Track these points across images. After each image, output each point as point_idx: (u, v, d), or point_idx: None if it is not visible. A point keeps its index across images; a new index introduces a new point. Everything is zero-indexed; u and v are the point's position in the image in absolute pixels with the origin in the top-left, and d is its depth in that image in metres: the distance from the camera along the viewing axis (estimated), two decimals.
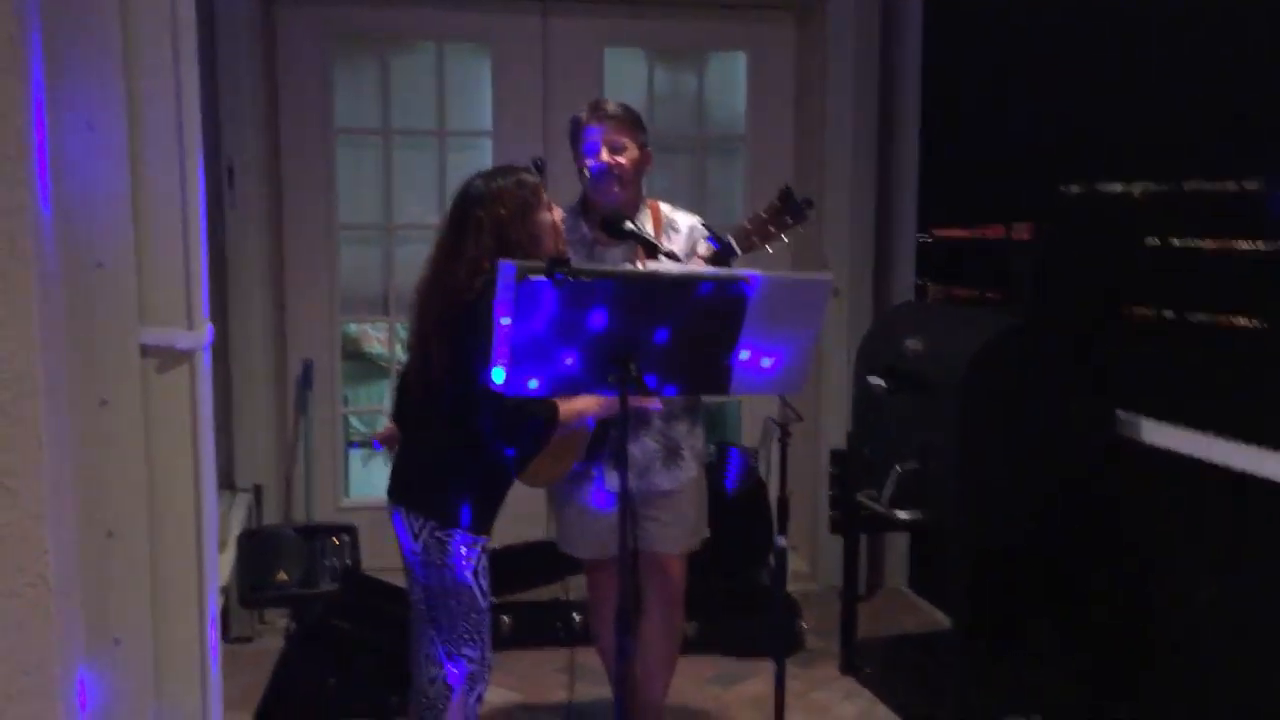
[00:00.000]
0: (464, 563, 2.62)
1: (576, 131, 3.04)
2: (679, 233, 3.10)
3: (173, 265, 1.92)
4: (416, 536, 2.65)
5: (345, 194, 4.69)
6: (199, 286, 1.96)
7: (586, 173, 3.00)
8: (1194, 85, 3.18)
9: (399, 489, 2.73)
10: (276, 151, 4.51)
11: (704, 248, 3.02)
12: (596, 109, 3.02)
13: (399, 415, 2.86)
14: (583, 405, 2.70)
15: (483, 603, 2.66)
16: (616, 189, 2.98)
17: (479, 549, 2.65)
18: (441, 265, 2.64)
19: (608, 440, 2.92)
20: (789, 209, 2.88)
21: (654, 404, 2.94)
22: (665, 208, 3.15)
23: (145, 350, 1.90)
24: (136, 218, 1.87)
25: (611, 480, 2.99)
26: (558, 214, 2.75)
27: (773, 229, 2.88)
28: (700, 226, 3.13)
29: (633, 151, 3.01)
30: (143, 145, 1.88)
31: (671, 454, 3.08)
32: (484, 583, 2.67)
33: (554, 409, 2.66)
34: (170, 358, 1.93)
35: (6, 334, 1.50)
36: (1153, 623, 3.37)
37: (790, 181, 4.94)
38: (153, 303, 1.91)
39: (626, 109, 3.05)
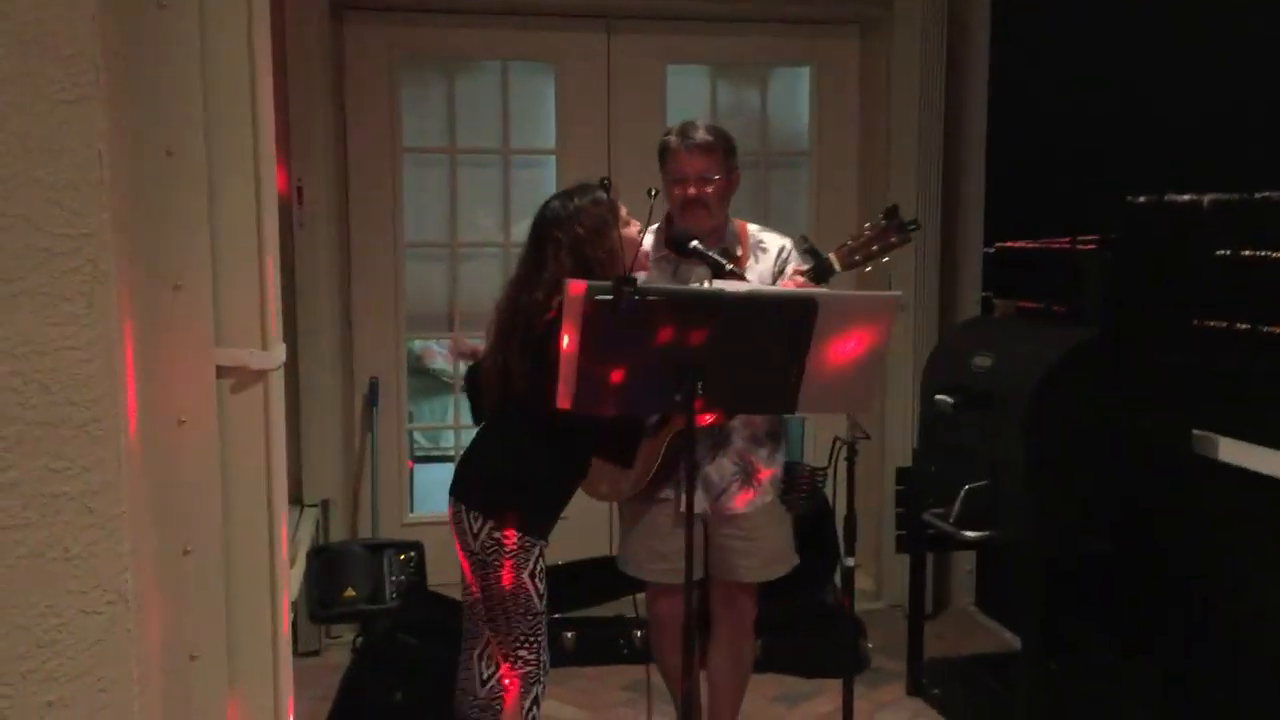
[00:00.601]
0: (521, 563, 2.62)
1: (664, 155, 3.02)
2: (767, 253, 3.08)
3: (247, 287, 1.94)
4: (475, 535, 2.67)
5: (411, 212, 4.74)
6: (273, 307, 1.98)
7: (674, 201, 2.99)
8: (1264, 94, 3.11)
9: (462, 485, 2.75)
10: (344, 170, 4.57)
11: (798, 261, 3.00)
12: (685, 135, 2.99)
13: (475, 414, 2.90)
14: None
15: (539, 605, 2.67)
16: (704, 215, 2.97)
17: (536, 551, 2.67)
18: (522, 286, 2.67)
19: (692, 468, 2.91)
20: (894, 228, 2.85)
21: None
22: (754, 228, 3.14)
23: (220, 370, 1.92)
24: (213, 240, 1.90)
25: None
26: (635, 227, 2.75)
27: (876, 248, 2.85)
28: (790, 247, 3.10)
29: (720, 179, 2.98)
30: (219, 169, 1.91)
31: (749, 477, 3.05)
32: (540, 585, 2.68)
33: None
34: (245, 377, 1.95)
35: (88, 355, 1.53)
36: (1227, 647, 3.28)
37: (855, 196, 4.94)
38: (228, 323, 1.93)
39: (717, 134, 3.01)
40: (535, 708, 2.76)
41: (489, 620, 2.73)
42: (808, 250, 2.89)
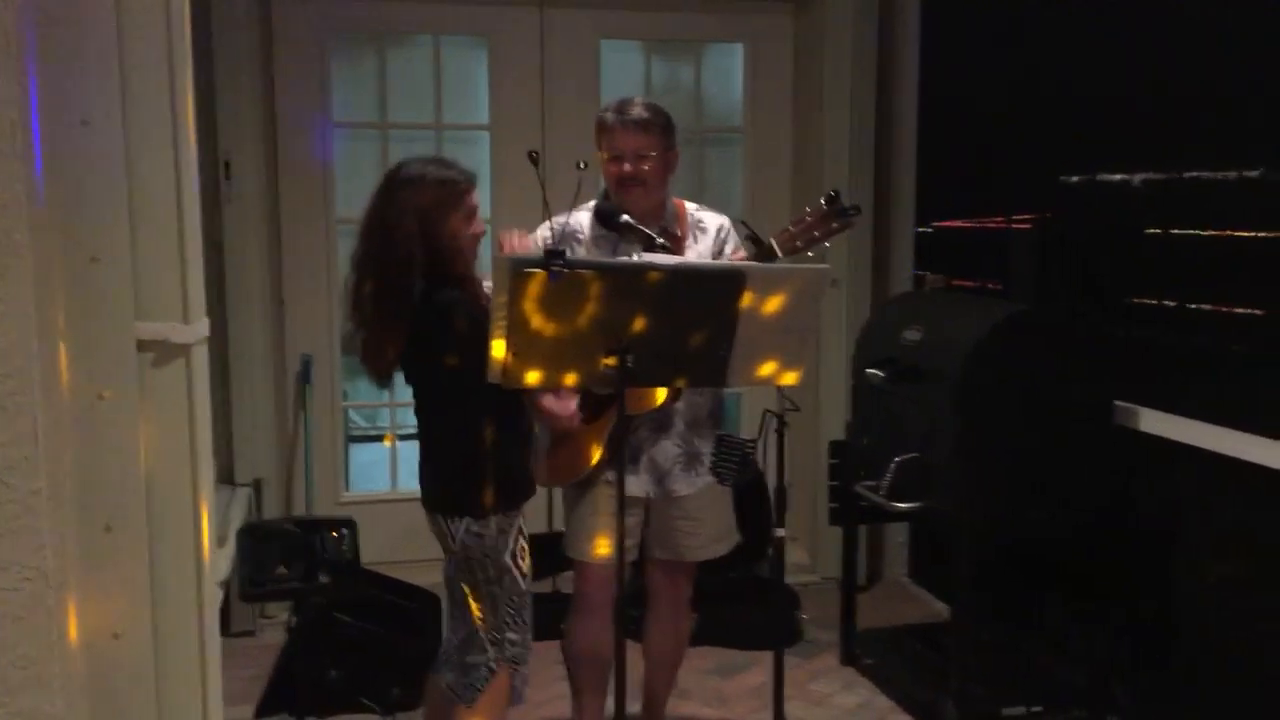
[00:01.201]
0: (502, 546, 2.62)
1: (600, 131, 2.97)
2: (706, 233, 3.07)
3: (168, 259, 1.91)
4: (454, 537, 2.66)
5: (343, 187, 4.69)
6: (195, 280, 1.96)
7: (610, 178, 2.97)
8: (1194, 74, 3.17)
9: (430, 494, 2.74)
10: (274, 145, 4.50)
11: (737, 241, 2.99)
12: (622, 111, 2.94)
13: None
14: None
15: (523, 584, 2.67)
16: (639, 193, 2.93)
17: (514, 530, 2.66)
18: (380, 264, 2.63)
19: (624, 446, 2.91)
20: (836, 214, 2.85)
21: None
22: (691, 207, 3.12)
23: (141, 344, 1.90)
24: (131, 212, 1.87)
25: (629, 483, 2.97)
26: (477, 228, 2.69)
27: (818, 233, 2.84)
28: (729, 225, 3.10)
29: (658, 156, 2.94)
30: (137, 140, 1.88)
31: (691, 459, 3.06)
32: (522, 564, 2.68)
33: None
34: (166, 351, 1.92)
35: (3, 328, 1.50)
36: (1153, 611, 3.37)
37: (788, 173, 4.97)
38: (148, 297, 1.90)
39: (655, 111, 2.96)
40: (524, 686, 2.77)
41: (478, 606, 2.70)
42: (749, 236, 2.88)
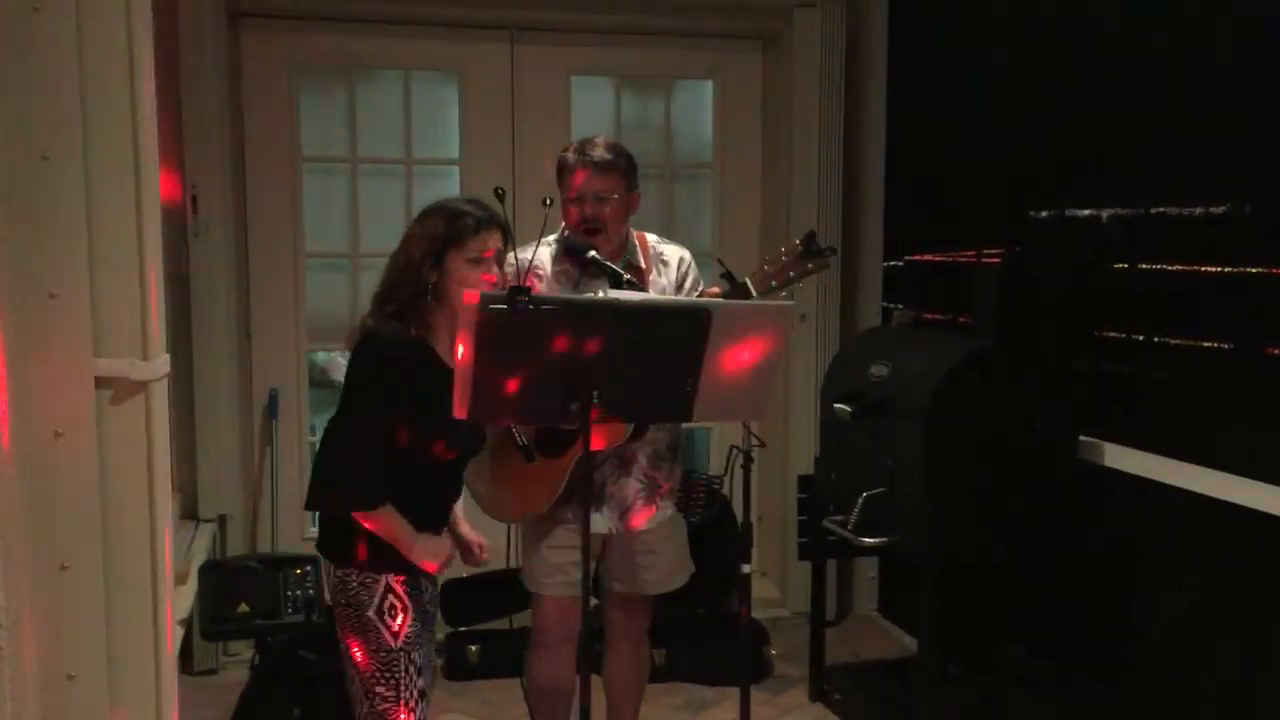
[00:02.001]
0: (365, 600, 2.54)
1: (562, 172, 2.96)
2: (668, 266, 3.06)
3: (128, 295, 1.90)
4: (327, 577, 2.62)
5: (312, 222, 4.68)
6: (155, 316, 1.94)
7: (570, 219, 2.95)
8: (1161, 111, 3.22)
9: (318, 534, 2.69)
10: (242, 179, 4.49)
11: (698, 273, 3.00)
12: (583, 152, 2.91)
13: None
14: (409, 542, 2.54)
15: (392, 643, 2.56)
16: (601, 239, 2.91)
17: (380, 586, 2.54)
18: (389, 264, 2.63)
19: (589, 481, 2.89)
20: (810, 255, 2.85)
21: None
22: (652, 239, 3.11)
23: (99, 381, 1.88)
24: (91, 247, 1.85)
25: (592, 520, 2.95)
26: (474, 275, 2.55)
27: (793, 273, 2.84)
28: (689, 259, 3.10)
29: (619, 199, 2.92)
30: (98, 175, 1.86)
31: (652, 493, 3.05)
32: (391, 622, 2.55)
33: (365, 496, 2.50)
34: (125, 388, 1.90)
35: None
36: (1118, 644, 3.38)
37: (758, 208, 5.00)
38: (107, 333, 1.89)
39: (616, 151, 2.94)
40: None
41: (346, 659, 2.62)
42: (724, 275, 2.87)
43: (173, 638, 2.10)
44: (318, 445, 2.66)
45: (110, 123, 1.86)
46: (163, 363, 1.97)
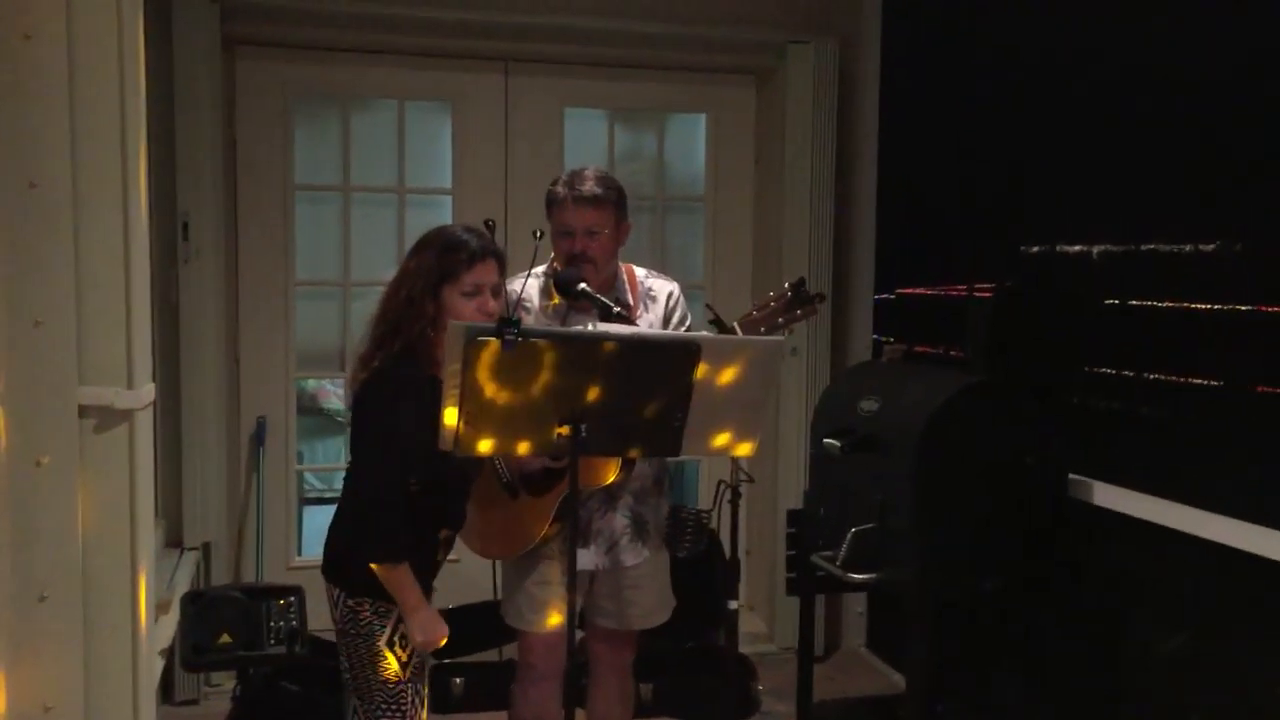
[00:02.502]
0: (377, 629, 2.54)
1: (551, 206, 2.95)
2: (656, 301, 3.06)
3: (113, 324, 1.89)
4: (336, 606, 2.60)
5: (303, 250, 4.67)
6: (141, 345, 1.93)
7: (560, 252, 2.95)
8: (1153, 148, 3.23)
9: (324, 557, 2.67)
10: (234, 206, 4.49)
11: (685, 307, 3.03)
12: (573, 186, 2.90)
13: None
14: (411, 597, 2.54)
15: (402, 674, 2.56)
16: (590, 272, 2.91)
17: (395, 617, 2.55)
18: (386, 297, 2.61)
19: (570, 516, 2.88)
20: (800, 301, 2.86)
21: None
22: (641, 273, 3.11)
23: (83, 409, 1.87)
24: (78, 276, 1.85)
25: (580, 556, 2.94)
26: (469, 306, 2.56)
27: (781, 319, 2.85)
28: (678, 293, 3.10)
29: (608, 232, 2.92)
30: (86, 204, 1.86)
31: (639, 529, 3.04)
32: (400, 653, 2.57)
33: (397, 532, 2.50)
34: (109, 417, 1.89)
35: None
36: (1107, 683, 3.36)
37: (749, 241, 5.01)
38: (92, 361, 1.88)
39: (606, 185, 2.92)
40: None
41: (355, 690, 2.63)
42: (713, 320, 2.87)
43: (153, 669, 2.08)
44: (342, 495, 2.65)
45: (99, 151, 1.86)
46: (147, 392, 1.96)
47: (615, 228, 2.95)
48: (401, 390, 2.46)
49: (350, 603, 2.55)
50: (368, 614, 2.55)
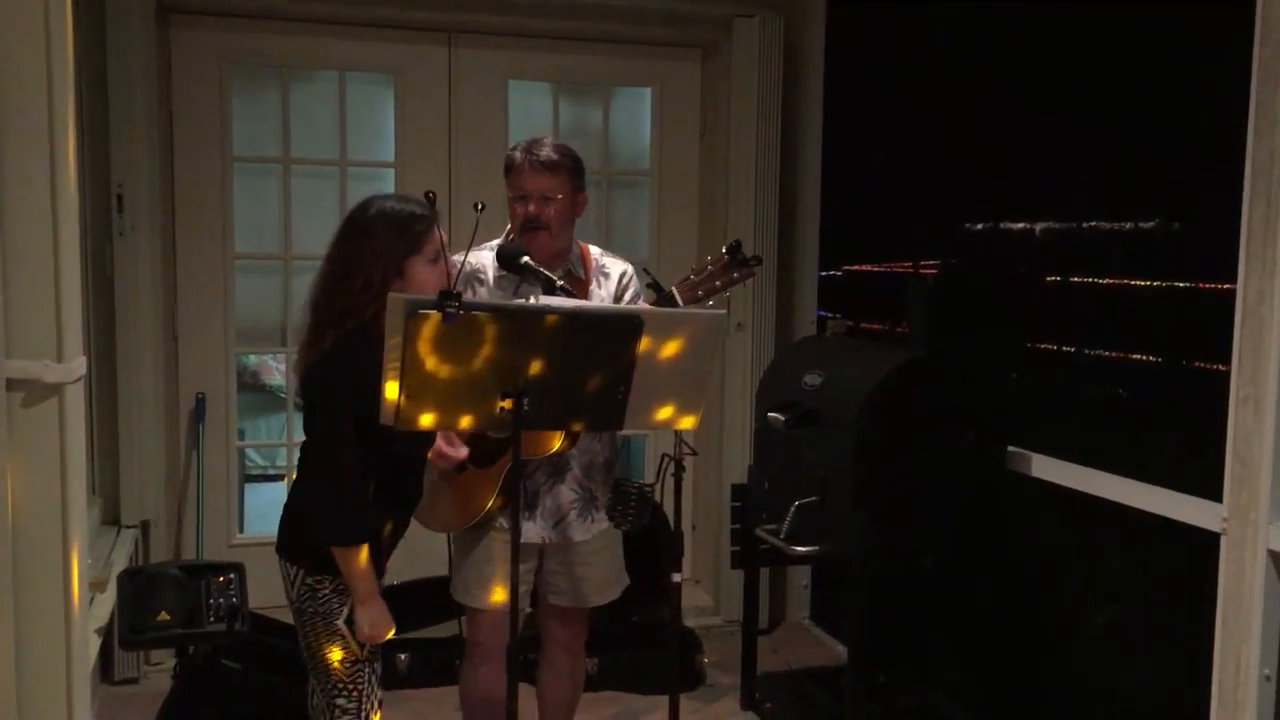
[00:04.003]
0: (335, 608, 2.53)
1: (508, 170, 2.95)
2: (609, 278, 3.07)
3: (42, 295, 1.84)
4: (292, 584, 2.58)
5: (243, 223, 4.60)
6: (70, 317, 1.89)
7: (514, 218, 2.94)
8: (1097, 127, 3.27)
9: (279, 534, 2.64)
10: (171, 178, 4.40)
11: (638, 287, 3.00)
12: (530, 151, 2.91)
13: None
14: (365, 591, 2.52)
15: (359, 653, 2.56)
16: (544, 238, 2.91)
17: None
18: (328, 285, 2.54)
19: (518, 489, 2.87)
20: (736, 264, 2.87)
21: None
22: (595, 251, 3.11)
23: (11, 383, 1.82)
24: (4, 247, 1.80)
25: (524, 530, 2.93)
26: (434, 273, 2.55)
27: (719, 283, 2.86)
28: (631, 272, 3.10)
29: (564, 199, 2.92)
30: (12, 174, 1.81)
31: (588, 504, 3.03)
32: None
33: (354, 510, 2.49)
34: (38, 391, 1.85)
35: None
36: (1046, 651, 3.42)
37: (695, 217, 5.01)
38: (20, 334, 1.83)
39: (563, 152, 2.94)
40: None
41: (311, 668, 2.61)
42: (650, 284, 2.88)
43: (88, 648, 2.05)
44: (299, 465, 2.62)
45: (25, 119, 1.81)
46: (78, 365, 1.91)
47: (571, 196, 2.95)
48: (360, 369, 2.41)
49: (310, 581, 2.53)
50: (327, 591, 2.53)
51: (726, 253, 2.87)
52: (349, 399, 2.43)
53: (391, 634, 2.57)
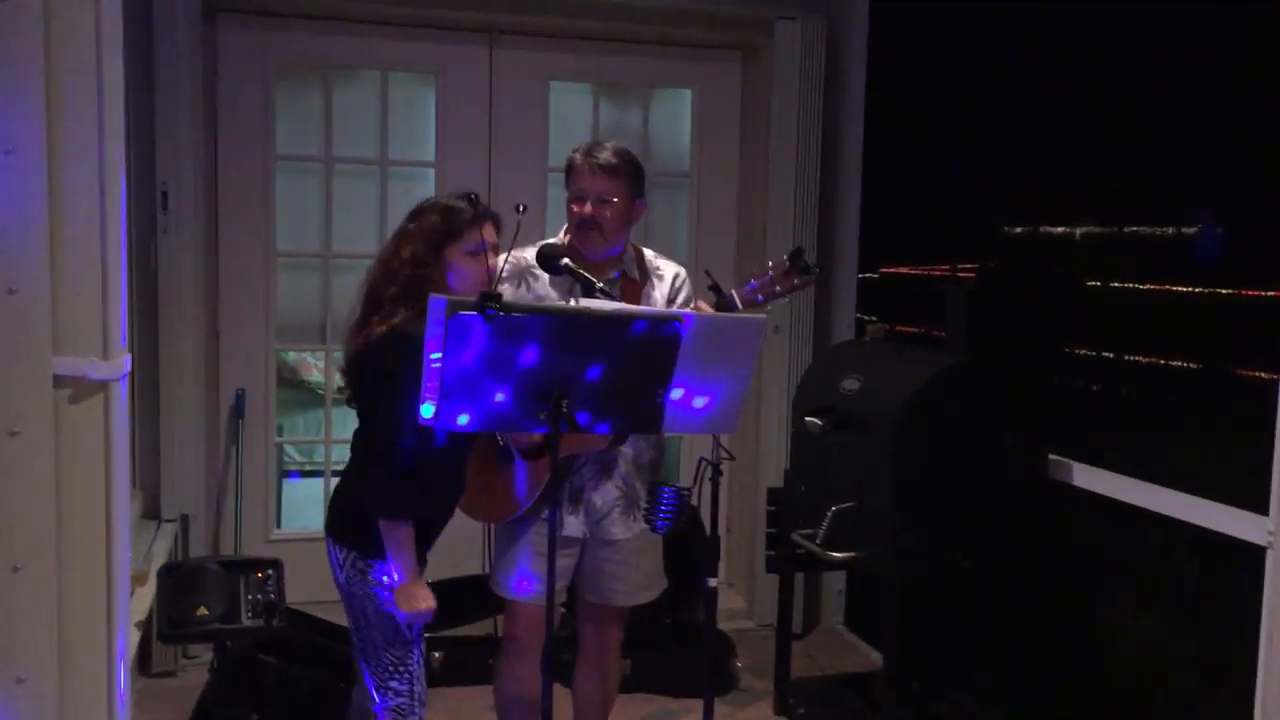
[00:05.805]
0: (385, 593, 2.56)
1: (568, 172, 2.98)
2: (663, 280, 3.08)
3: (89, 293, 1.86)
4: (342, 567, 2.61)
5: (284, 221, 4.63)
6: (116, 315, 1.91)
7: (570, 219, 2.96)
8: (1140, 131, 3.23)
9: (329, 518, 2.69)
10: (215, 176, 4.45)
11: (690, 289, 3.03)
12: (590, 154, 2.93)
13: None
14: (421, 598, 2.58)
15: (408, 635, 2.60)
16: (597, 239, 2.92)
17: None
18: (374, 270, 2.60)
19: (562, 484, 2.88)
20: (797, 271, 2.87)
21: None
22: (650, 254, 3.12)
23: (58, 380, 1.84)
24: (52, 243, 1.82)
25: (567, 523, 2.95)
26: (477, 266, 2.60)
27: (779, 289, 2.87)
28: (684, 275, 3.11)
29: (620, 203, 2.92)
30: (62, 168, 1.83)
31: (630, 504, 3.03)
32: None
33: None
34: (84, 388, 1.87)
35: None
36: (1082, 659, 3.39)
37: (733, 218, 5.00)
38: (67, 331, 1.86)
39: (623, 157, 2.95)
40: None
41: (360, 652, 2.65)
42: (711, 286, 2.88)
43: (129, 640, 2.07)
44: (351, 451, 2.68)
45: (75, 115, 1.83)
46: (123, 362, 1.94)
47: (627, 200, 2.95)
48: (415, 354, 2.44)
49: (362, 563, 2.56)
50: (378, 576, 2.57)
51: (788, 259, 2.88)
52: (403, 383, 2.45)
53: (432, 606, 2.58)
